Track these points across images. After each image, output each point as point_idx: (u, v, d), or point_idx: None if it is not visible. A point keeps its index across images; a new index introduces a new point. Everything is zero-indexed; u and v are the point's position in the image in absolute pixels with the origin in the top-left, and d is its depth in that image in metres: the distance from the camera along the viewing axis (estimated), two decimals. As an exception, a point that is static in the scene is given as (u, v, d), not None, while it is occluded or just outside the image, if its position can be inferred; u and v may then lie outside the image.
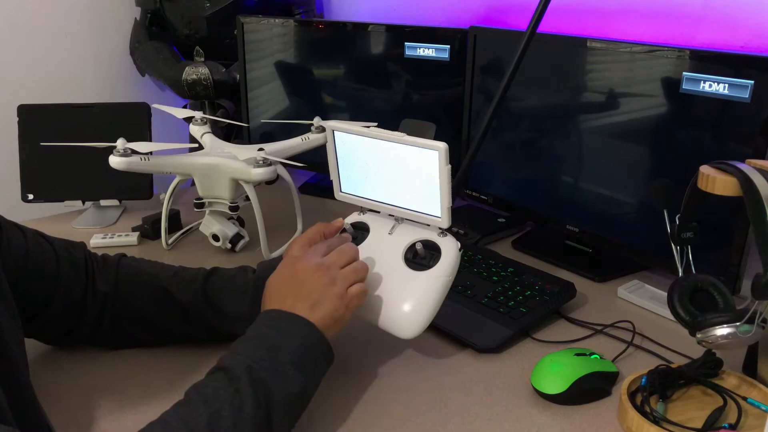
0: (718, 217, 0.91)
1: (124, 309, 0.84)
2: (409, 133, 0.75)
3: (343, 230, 0.84)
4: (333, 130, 0.81)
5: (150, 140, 1.29)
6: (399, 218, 0.83)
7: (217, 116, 1.65)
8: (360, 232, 0.84)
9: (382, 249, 0.81)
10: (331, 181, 0.85)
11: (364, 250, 0.82)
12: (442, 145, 0.72)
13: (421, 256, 0.79)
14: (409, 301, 0.77)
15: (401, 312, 0.77)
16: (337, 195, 0.86)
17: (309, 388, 0.69)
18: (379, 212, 0.85)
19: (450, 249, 0.78)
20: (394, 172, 0.79)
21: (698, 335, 0.72)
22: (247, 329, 0.71)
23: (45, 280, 0.79)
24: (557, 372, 0.77)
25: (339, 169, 0.84)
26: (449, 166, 0.73)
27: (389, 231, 0.83)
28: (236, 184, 1.12)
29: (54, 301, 0.80)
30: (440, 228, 0.79)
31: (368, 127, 0.80)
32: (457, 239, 0.80)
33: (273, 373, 0.65)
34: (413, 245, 0.80)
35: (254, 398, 0.63)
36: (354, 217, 0.86)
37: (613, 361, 0.84)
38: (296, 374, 0.66)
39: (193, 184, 1.16)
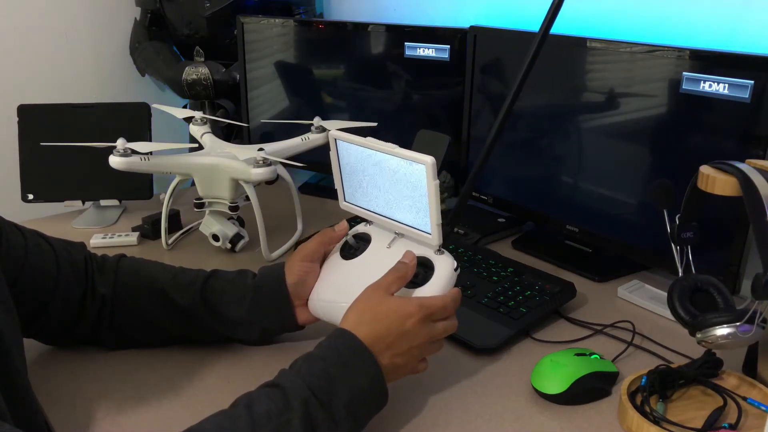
0: (718, 217, 0.91)
1: (122, 311, 0.84)
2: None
3: (347, 242, 0.84)
4: (336, 140, 0.79)
5: (150, 140, 1.29)
6: (400, 232, 0.81)
7: (217, 116, 1.65)
8: (362, 243, 0.83)
9: (378, 263, 0.79)
10: (331, 181, 0.84)
11: (361, 262, 0.81)
12: (429, 160, 0.70)
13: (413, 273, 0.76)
14: None
15: None
16: (342, 204, 0.84)
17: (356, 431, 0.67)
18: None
19: (444, 268, 0.75)
20: (390, 185, 0.76)
21: (698, 335, 0.72)
22: (319, 344, 0.69)
23: (44, 280, 0.79)
24: (557, 372, 0.77)
25: (342, 178, 0.82)
26: (437, 181, 0.71)
27: (388, 245, 0.81)
28: (236, 184, 1.12)
29: (53, 302, 0.80)
30: (438, 245, 0.76)
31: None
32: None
33: (326, 412, 0.64)
34: None
35: None
36: (360, 228, 0.85)
37: (613, 361, 0.84)
38: (348, 419, 0.65)
39: (193, 184, 1.16)
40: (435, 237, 0.75)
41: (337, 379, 0.66)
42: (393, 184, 0.76)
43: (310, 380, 0.65)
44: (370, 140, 0.75)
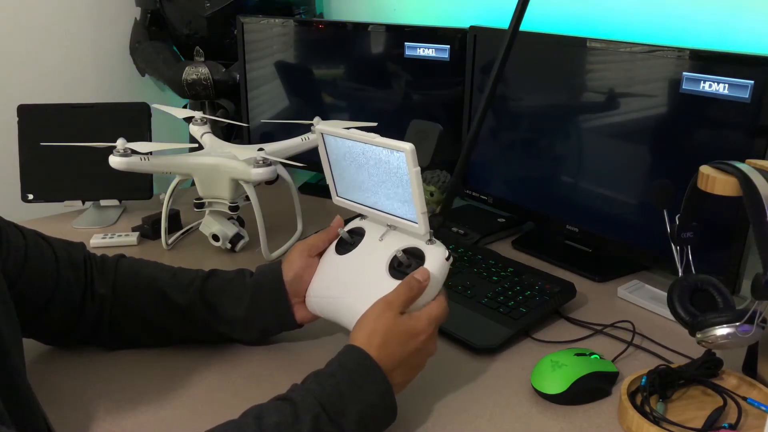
0: (718, 217, 0.91)
1: (121, 311, 0.84)
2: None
3: (341, 238, 0.84)
4: (322, 134, 0.79)
5: (150, 140, 1.29)
6: (392, 225, 0.80)
7: (217, 116, 1.65)
8: (356, 237, 0.83)
9: (370, 256, 0.79)
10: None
11: (354, 257, 0.81)
12: (409, 146, 0.69)
13: (405, 265, 0.76)
14: None
15: None
16: (335, 200, 0.85)
17: None
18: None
19: (435, 258, 0.75)
20: (377, 176, 0.76)
21: (698, 335, 0.72)
22: (329, 362, 0.68)
23: (44, 281, 0.79)
24: (557, 372, 0.77)
25: (333, 173, 0.82)
26: (418, 168, 0.70)
27: (380, 237, 0.80)
28: (236, 184, 1.12)
29: (53, 302, 0.80)
30: (428, 235, 0.76)
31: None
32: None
33: (336, 428, 0.63)
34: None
35: None
36: (355, 223, 0.85)
37: (613, 361, 0.84)
38: None
39: (193, 184, 1.16)
40: (421, 226, 0.74)
41: (348, 397, 0.65)
42: (379, 175, 0.76)
43: (321, 396, 0.64)
44: (353, 132, 0.75)
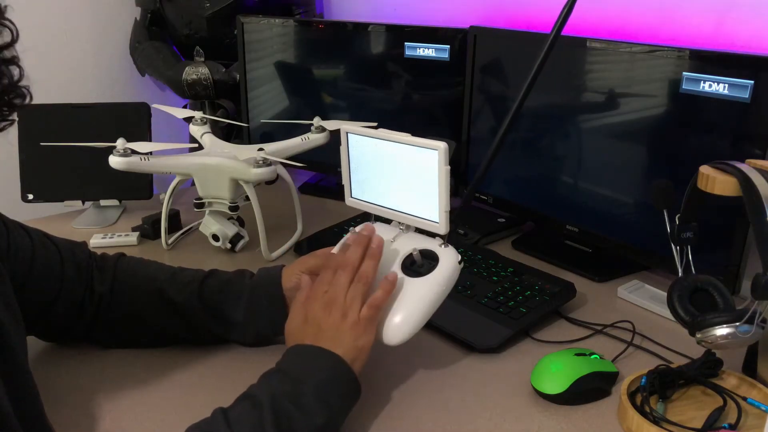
0: (718, 217, 0.90)
1: (118, 309, 0.84)
2: None
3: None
4: (347, 133, 0.80)
5: (150, 140, 1.29)
6: (405, 227, 0.82)
7: (217, 116, 1.65)
8: None
9: (382, 256, 0.79)
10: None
11: None
12: (442, 145, 0.71)
13: (418, 264, 0.77)
14: (396, 307, 0.76)
15: (388, 318, 0.76)
16: (348, 201, 0.84)
17: (334, 420, 0.68)
18: (389, 222, 0.83)
19: (448, 260, 0.77)
20: (400, 175, 0.77)
21: (698, 335, 0.72)
22: (277, 363, 0.71)
23: (50, 280, 0.79)
24: (557, 372, 0.77)
25: (351, 173, 0.82)
26: (448, 167, 0.72)
27: (392, 239, 0.81)
28: (236, 184, 1.12)
29: (57, 302, 0.80)
30: (441, 237, 0.77)
31: (370, 127, 0.79)
32: (457, 239, 0.79)
33: (297, 405, 0.65)
34: (411, 253, 0.78)
35: (276, 427, 0.63)
36: (363, 226, 0.85)
37: (613, 361, 0.84)
38: (320, 407, 0.66)
39: (193, 184, 1.16)
40: (442, 225, 0.75)
41: (299, 379, 0.68)
42: (402, 174, 0.77)
43: (274, 386, 0.67)
44: (382, 131, 0.77)
